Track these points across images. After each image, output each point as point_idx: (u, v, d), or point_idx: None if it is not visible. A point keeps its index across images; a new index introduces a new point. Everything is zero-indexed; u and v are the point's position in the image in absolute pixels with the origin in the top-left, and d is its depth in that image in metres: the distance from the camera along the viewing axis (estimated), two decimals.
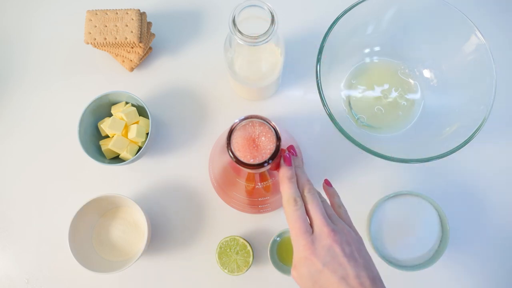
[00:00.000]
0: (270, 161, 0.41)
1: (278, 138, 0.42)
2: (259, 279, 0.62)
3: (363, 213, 0.63)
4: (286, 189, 0.42)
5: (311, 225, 0.41)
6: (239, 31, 0.46)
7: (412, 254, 0.58)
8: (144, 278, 0.63)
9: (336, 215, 0.43)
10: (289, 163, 0.43)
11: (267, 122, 0.42)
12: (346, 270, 0.39)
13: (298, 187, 0.43)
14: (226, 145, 0.42)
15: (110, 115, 0.64)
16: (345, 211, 0.45)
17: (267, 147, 0.42)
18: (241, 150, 0.42)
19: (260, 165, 0.41)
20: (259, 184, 0.50)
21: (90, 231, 0.62)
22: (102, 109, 0.63)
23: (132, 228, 0.62)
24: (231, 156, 0.41)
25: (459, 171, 0.65)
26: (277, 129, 0.42)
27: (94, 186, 0.65)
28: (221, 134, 0.58)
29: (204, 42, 0.69)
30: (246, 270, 0.59)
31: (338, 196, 0.47)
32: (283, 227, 0.63)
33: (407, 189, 0.64)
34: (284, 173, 0.43)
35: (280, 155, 0.43)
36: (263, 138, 0.42)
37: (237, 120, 0.42)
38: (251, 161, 0.41)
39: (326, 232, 0.40)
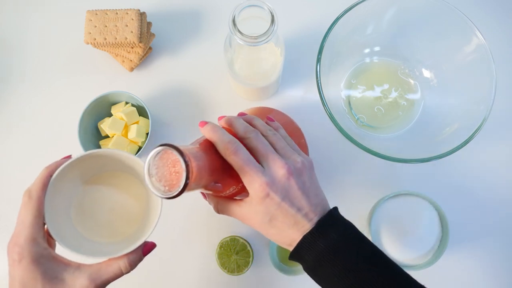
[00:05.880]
0: (184, 188, 0.35)
1: (185, 162, 0.35)
2: (259, 279, 0.62)
3: (363, 213, 0.63)
4: (216, 139, 0.40)
5: (259, 162, 0.41)
6: (239, 31, 0.46)
7: (412, 254, 0.58)
8: (143, 278, 0.63)
9: (284, 148, 0.43)
10: (201, 124, 0.42)
11: (171, 147, 0.35)
12: (301, 202, 0.41)
13: (237, 133, 0.43)
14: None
15: (110, 115, 0.64)
16: (291, 140, 0.46)
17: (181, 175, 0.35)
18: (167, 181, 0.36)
19: (178, 194, 0.35)
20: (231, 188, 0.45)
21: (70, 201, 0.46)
22: (102, 109, 0.63)
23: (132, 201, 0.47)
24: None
25: (459, 171, 0.65)
26: (182, 150, 0.35)
27: None
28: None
29: (204, 42, 0.69)
30: (246, 270, 0.59)
31: (282, 128, 0.47)
32: None
33: (407, 189, 0.64)
34: (206, 131, 0.41)
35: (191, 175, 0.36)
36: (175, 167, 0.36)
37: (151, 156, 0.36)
38: (169, 194, 0.35)
39: (279, 166, 0.41)
